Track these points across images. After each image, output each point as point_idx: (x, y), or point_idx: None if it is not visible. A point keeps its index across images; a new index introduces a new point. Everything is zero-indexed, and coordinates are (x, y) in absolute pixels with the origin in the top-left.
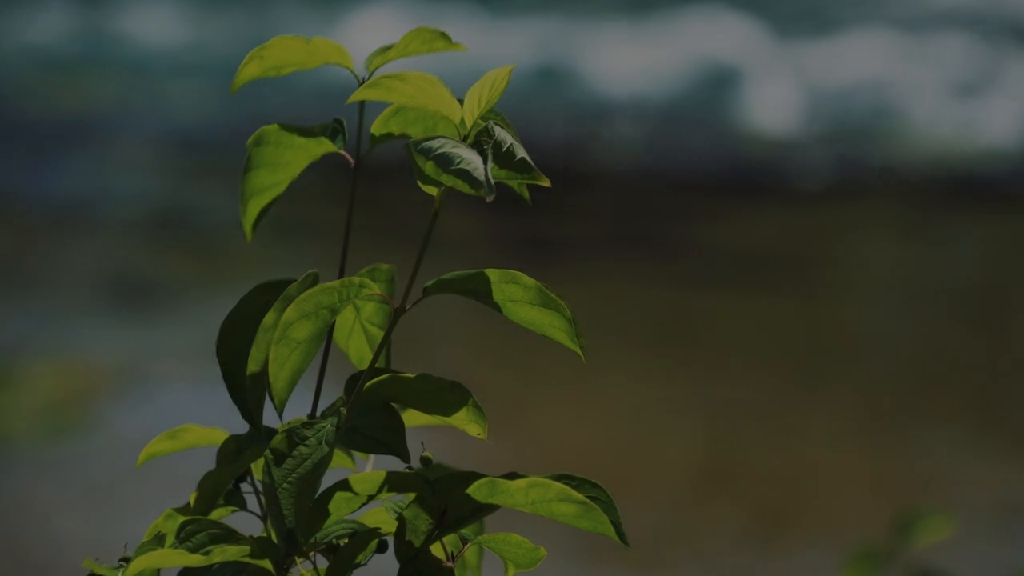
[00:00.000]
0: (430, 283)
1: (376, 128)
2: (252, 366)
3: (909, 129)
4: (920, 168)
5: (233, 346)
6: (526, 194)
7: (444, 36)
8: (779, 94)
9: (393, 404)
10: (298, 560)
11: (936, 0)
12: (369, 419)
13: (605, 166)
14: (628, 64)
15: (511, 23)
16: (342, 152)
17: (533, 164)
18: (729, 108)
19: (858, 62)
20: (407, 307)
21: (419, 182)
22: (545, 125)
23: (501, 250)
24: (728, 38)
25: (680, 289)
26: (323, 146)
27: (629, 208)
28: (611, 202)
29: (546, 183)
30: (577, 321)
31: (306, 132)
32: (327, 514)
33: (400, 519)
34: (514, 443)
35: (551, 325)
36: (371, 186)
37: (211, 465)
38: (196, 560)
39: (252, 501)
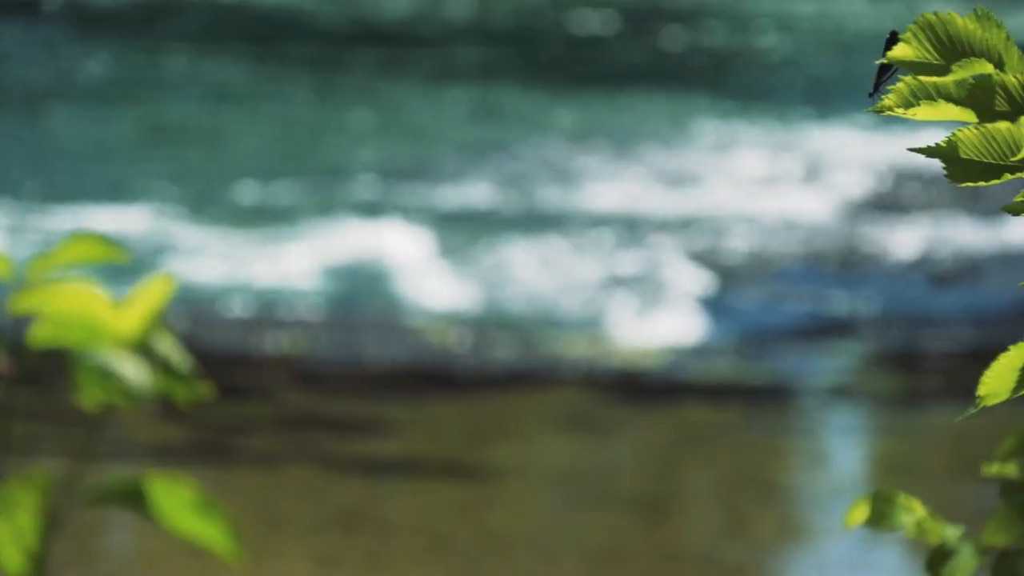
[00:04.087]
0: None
1: (34, 337)
2: None
3: (576, 325)
4: (589, 363)
5: None
6: (187, 405)
7: (105, 243)
8: (442, 291)
9: None
10: None
11: (592, 203)
12: None
13: (282, 356)
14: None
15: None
16: None
17: (195, 375)
18: (394, 305)
19: (514, 261)
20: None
21: (78, 394)
22: (221, 321)
23: (176, 441)
24: (383, 239)
25: (363, 476)
26: None
27: (307, 394)
28: (291, 388)
29: (207, 395)
30: (234, 531)
31: None
32: None
33: None
34: None
35: (208, 535)
36: (37, 388)
37: None
38: None
39: None
